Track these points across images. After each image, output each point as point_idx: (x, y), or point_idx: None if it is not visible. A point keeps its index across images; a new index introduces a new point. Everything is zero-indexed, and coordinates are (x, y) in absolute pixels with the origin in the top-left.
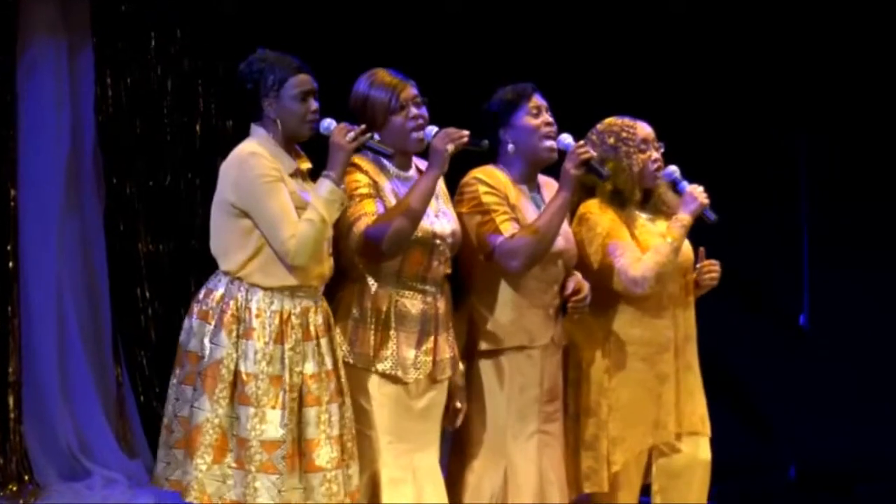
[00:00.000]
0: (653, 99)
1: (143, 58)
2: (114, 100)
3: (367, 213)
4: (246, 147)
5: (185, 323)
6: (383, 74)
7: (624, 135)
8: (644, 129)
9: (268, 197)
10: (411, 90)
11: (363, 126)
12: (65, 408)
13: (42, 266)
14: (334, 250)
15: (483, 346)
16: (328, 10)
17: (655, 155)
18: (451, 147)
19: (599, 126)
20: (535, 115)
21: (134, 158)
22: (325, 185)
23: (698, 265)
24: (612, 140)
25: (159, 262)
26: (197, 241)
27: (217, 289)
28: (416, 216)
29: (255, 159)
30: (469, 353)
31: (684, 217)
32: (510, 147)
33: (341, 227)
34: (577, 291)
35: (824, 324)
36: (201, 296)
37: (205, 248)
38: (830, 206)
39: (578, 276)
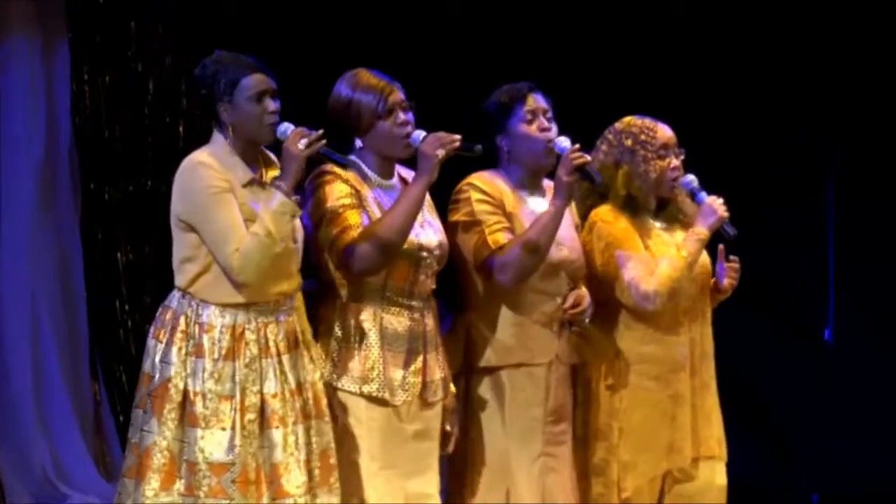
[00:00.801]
0: (667, 101)
1: (122, 54)
2: (91, 99)
3: (350, 226)
4: (194, 156)
5: (146, 343)
6: (367, 76)
7: (643, 137)
8: (665, 133)
9: (212, 209)
10: (398, 94)
11: (319, 132)
12: (39, 427)
13: (14, 276)
14: (318, 265)
15: (481, 363)
16: (315, 6)
17: (675, 162)
18: (441, 152)
19: (618, 125)
20: (530, 120)
21: (113, 161)
22: (275, 196)
23: (720, 267)
24: (629, 142)
25: (140, 273)
26: (152, 249)
27: (171, 305)
28: (404, 228)
29: (202, 170)
30: (467, 372)
31: (701, 231)
32: (504, 156)
33: (323, 240)
34: (575, 304)
35: (850, 339)
36: (158, 314)
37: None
38: (858, 213)
39: (582, 289)
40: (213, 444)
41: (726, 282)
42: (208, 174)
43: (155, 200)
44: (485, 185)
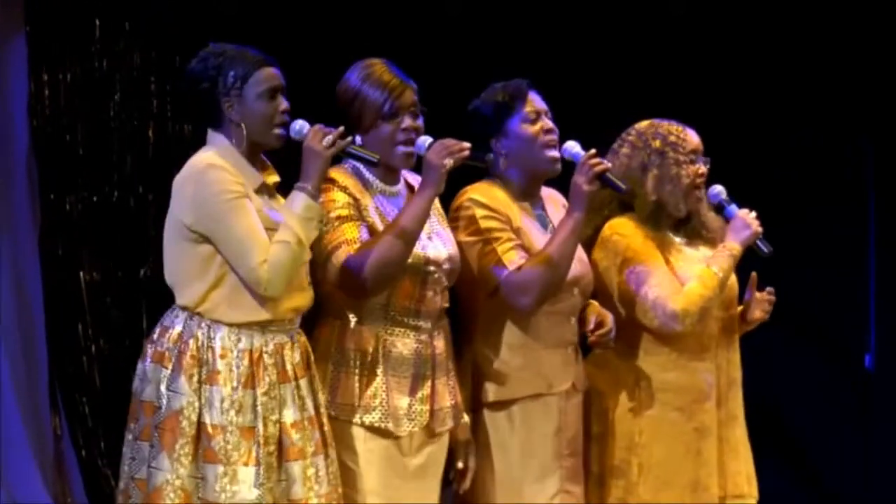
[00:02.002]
0: (684, 104)
1: (85, 50)
2: (51, 100)
3: (347, 241)
4: (203, 158)
5: (139, 367)
6: (382, 70)
7: (672, 139)
8: (694, 138)
9: (232, 217)
10: (411, 96)
11: (342, 128)
12: None
13: None
14: (312, 280)
15: (491, 396)
16: (303, 3)
17: (703, 170)
18: (449, 162)
19: (640, 126)
20: (533, 120)
21: (75, 169)
22: (299, 199)
23: (749, 296)
24: (657, 143)
25: (105, 293)
26: (150, 269)
27: (174, 326)
28: (408, 244)
29: (215, 172)
30: (475, 405)
31: (734, 246)
32: (501, 160)
33: (318, 256)
34: (599, 325)
35: (893, 365)
36: (156, 335)
37: (159, 277)
38: None
39: (597, 305)
40: (236, 482)
41: (757, 313)
42: (222, 177)
43: (122, 212)
44: (487, 199)
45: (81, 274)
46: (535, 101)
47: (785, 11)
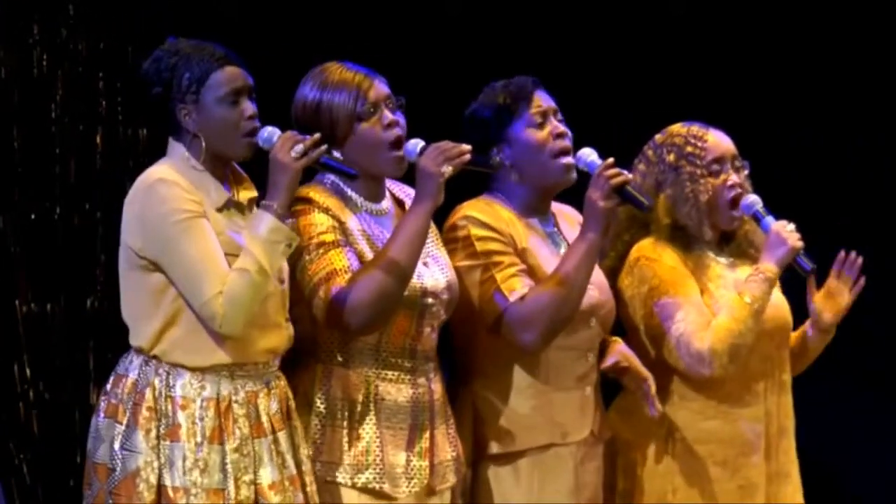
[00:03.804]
0: (717, 103)
1: (22, 40)
2: None
3: (336, 271)
4: (153, 172)
5: (92, 424)
6: (338, 70)
7: (689, 149)
8: (719, 143)
9: (183, 240)
10: (381, 87)
11: (316, 136)
12: None
13: None
14: (291, 320)
15: (495, 447)
16: None
17: (734, 178)
18: (447, 169)
19: (659, 137)
20: (539, 124)
21: (9, 181)
22: (264, 220)
23: (811, 301)
24: (671, 157)
25: (45, 329)
26: (98, 299)
27: (128, 374)
28: (406, 271)
29: (166, 189)
30: (476, 459)
31: (769, 267)
32: (507, 169)
33: (300, 289)
34: (620, 369)
35: None
36: (109, 385)
37: (109, 309)
38: None
39: (621, 345)
40: None
41: (838, 302)
42: (173, 194)
43: (65, 232)
44: (486, 217)
45: (17, 304)
46: (541, 101)
47: (785, 12)
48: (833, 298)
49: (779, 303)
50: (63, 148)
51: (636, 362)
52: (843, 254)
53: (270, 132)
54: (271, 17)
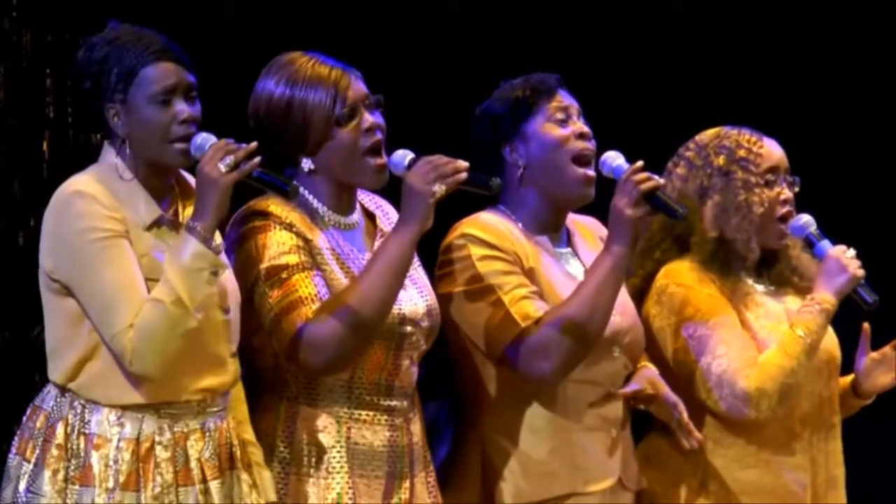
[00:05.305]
0: (756, 110)
1: None
2: None
3: (300, 299)
4: (74, 183)
5: (8, 459)
6: (310, 64)
7: (742, 153)
8: (773, 153)
9: (97, 263)
10: (359, 85)
11: (250, 146)
12: None
13: None
14: (249, 350)
15: (508, 498)
16: None
17: (787, 194)
18: (439, 188)
19: (702, 137)
20: (560, 120)
21: None
22: (187, 244)
23: (862, 356)
24: (721, 160)
25: None
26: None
27: (43, 406)
28: (383, 306)
29: (81, 204)
30: None
31: (826, 297)
32: (519, 172)
33: (259, 318)
34: (646, 397)
35: None
36: (26, 416)
37: None
38: None
39: (647, 370)
40: None
41: (881, 379)
42: (91, 211)
43: (8, 253)
44: (488, 235)
45: None
46: (564, 98)
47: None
48: (883, 368)
49: (828, 339)
50: (5, 156)
51: (664, 388)
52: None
53: (204, 139)
54: (246, 10)
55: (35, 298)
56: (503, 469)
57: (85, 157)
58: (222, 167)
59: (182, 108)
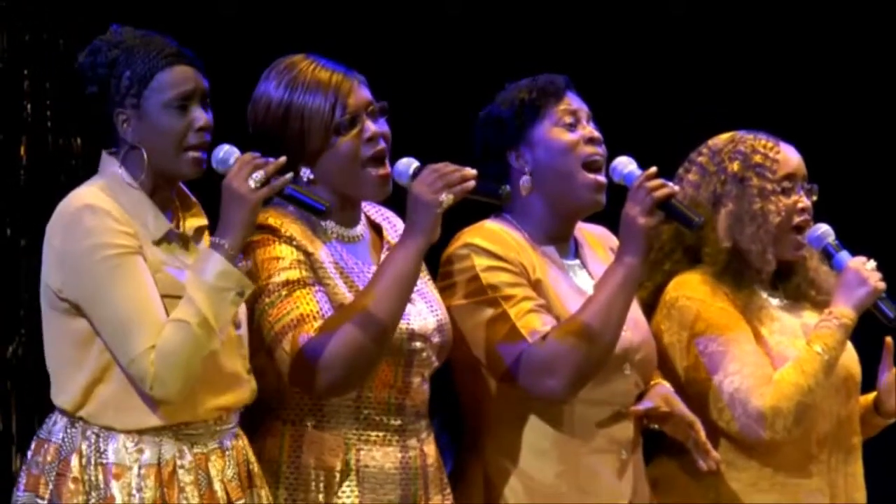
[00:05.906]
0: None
1: None
2: None
3: (302, 317)
4: (79, 196)
5: (13, 498)
6: (311, 67)
7: (757, 159)
8: (791, 159)
9: (111, 282)
10: (362, 91)
11: (279, 160)
12: None
13: None
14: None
15: None
16: None
17: (804, 202)
18: (446, 197)
19: (715, 142)
20: (569, 125)
21: None
22: (212, 261)
23: (884, 374)
24: (735, 166)
25: None
26: (20, 347)
27: (52, 438)
28: (389, 321)
29: (92, 218)
30: None
31: (845, 311)
32: (524, 179)
33: (260, 337)
34: (660, 416)
35: None
36: (31, 451)
37: (35, 357)
38: None
39: (660, 386)
40: None
41: None
42: (102, 226)
43: None
44: (491, 245)
45: None
46: (573, 102)
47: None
48: None
49: (847, 355)
50: None
51: (680, 405)
52: None
53: (227, 152)
54: (246, 10)
55: (9, 313)
56: (507, 492)
57: (64, 163)
58: (252, 183)
59: (199, 115)
